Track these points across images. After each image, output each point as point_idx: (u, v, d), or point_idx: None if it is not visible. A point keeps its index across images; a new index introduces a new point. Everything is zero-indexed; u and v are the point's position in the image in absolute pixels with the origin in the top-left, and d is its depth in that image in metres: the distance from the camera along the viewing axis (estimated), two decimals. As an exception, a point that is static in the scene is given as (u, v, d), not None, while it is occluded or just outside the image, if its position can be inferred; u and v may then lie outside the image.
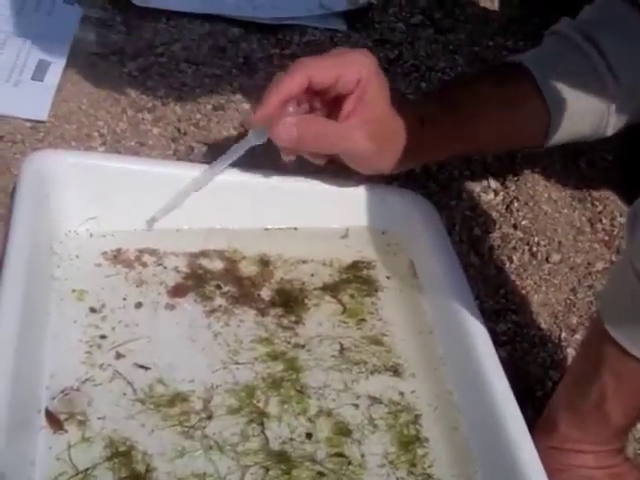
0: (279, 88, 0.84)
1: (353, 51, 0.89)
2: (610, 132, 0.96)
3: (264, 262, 0.92)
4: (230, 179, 0.91)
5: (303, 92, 0.85)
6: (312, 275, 0.92)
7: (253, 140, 0.87)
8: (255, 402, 0.78)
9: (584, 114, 0.93)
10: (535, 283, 0.99)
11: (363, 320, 0.88)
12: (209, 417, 0.76)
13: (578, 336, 0.94)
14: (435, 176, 1.08)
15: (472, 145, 0.96)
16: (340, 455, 0.76)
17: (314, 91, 0.86)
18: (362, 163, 0.91)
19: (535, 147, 1.00)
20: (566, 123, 0.93)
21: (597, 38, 0.92)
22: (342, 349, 0.85)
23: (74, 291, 0.84)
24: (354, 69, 0.86)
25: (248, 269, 0.91)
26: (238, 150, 0.88)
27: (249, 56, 1.19)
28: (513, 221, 1.05)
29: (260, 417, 0.77)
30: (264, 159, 0.92)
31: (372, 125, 0.87)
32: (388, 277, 0.93)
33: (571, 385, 0.80)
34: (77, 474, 0.70)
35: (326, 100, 0.88)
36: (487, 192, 1.08)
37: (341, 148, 0.88)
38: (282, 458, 0.75)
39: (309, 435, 0.77)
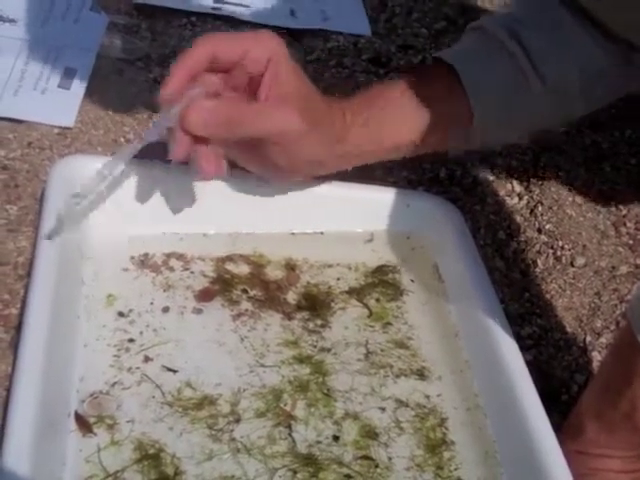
0: (184, 61, 0.78)
1: (260, 31, 0.82)
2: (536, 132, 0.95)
3: (290, 266, 0.92)
4: (257, 184, 0.92)
5: (209, 68, 0.79)
6: (338, 279, 0.92)
7: (164, 122, 0.80)
8: (282, 405, 0.79)
9: (509, 114, 0.90)
10: (560, 287, 0.99)
11: (389, 324, 0.89)
12: (237, 420, 0.77)
13: (603, 340, 0.94)
14: (459, 180, 1.08)
15: (392, 141, 0.89)
16: (367, 458, 0.77)
17: (222, 69, 0.80)
18: (291, 150, 0.83)
19: (459, 148, 0.97)
20: (491, 123, 0.90)
21: (522, 36, 0.88)
22: (368, 353, 0.85)
23: (102, 296, 0.84)
24: (262, 46, 0.80)
25: (274, 273, 0.91)
26: (150, 134, 0.81)
27: (273, 62, 1.20)
28: (537, 225, 1.05)
29: (287, 420, 0.78)
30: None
31: (295, 101, 0.81)
32: (413, 281, 0.93)
33: (600, 393, 0.79)
34: (107, 477, 0.70)
35: (238, 86, 0.81)
36: (511, 196, 1.08)
37: (262, 128, 0.80)
38: (309, 461, 0.75)
39: (336, 438, 0.77)
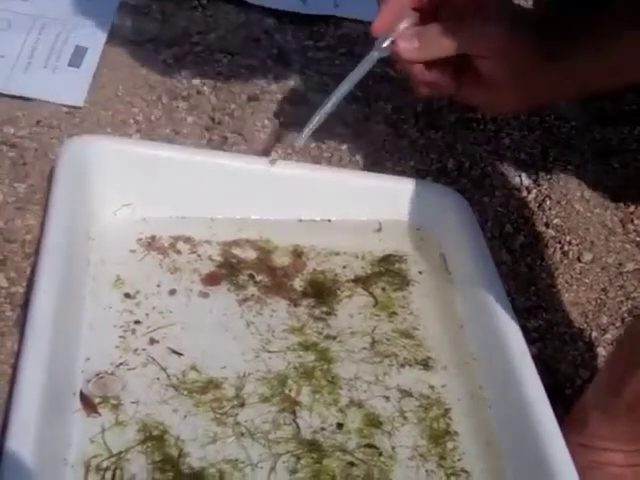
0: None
1: None
2: None
3: (297, 253, 0.92)
4: (266, 170, 0.92)
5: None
6: (344, 267, 0.92)
7: (377, 54, 0.82)
8: (287, 391, 0.79)
9: None
10: (566, 282, 0.98)
11: (394, 313, 0.88)
12: (241, 404, 0.77)
13: (608, 336, 0.94)
14: (467, 172, 1.08)
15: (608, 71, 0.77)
16: (371, 446, 0.76)
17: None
18: (504, 60, 0.77)
19: None
20: None
21: None
22: (373, 341, 0.85)
23: (109, 277, 0.84)
24: None
25: (281, 259, 0.91)
26: (363, 67, 0.84)
27: (283, 47, 1.20)
28: (545, 219, 1.04)
29: (292, 406, 0.78)
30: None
31: (508, 20, 0.77)
32: (420, 272, 0.93)
33: (604, 384, 0.79)
34: (111, 456, 0.70)
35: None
36: (520, 189, 1.08)
37: (473, 42, 0.78)
38: (313, 447, 0.75)
39: (340, 425, 0.77)
